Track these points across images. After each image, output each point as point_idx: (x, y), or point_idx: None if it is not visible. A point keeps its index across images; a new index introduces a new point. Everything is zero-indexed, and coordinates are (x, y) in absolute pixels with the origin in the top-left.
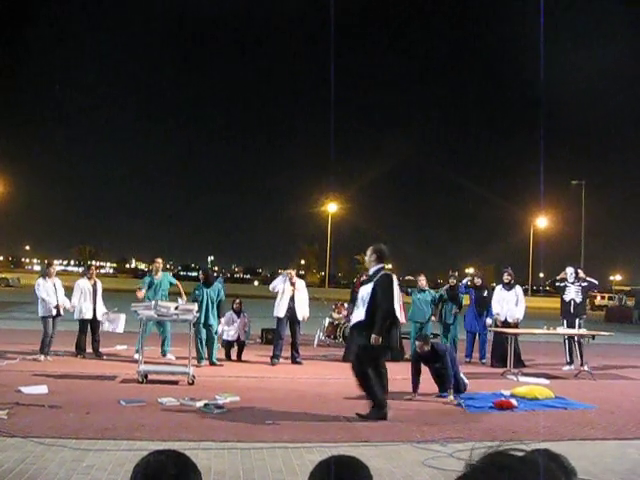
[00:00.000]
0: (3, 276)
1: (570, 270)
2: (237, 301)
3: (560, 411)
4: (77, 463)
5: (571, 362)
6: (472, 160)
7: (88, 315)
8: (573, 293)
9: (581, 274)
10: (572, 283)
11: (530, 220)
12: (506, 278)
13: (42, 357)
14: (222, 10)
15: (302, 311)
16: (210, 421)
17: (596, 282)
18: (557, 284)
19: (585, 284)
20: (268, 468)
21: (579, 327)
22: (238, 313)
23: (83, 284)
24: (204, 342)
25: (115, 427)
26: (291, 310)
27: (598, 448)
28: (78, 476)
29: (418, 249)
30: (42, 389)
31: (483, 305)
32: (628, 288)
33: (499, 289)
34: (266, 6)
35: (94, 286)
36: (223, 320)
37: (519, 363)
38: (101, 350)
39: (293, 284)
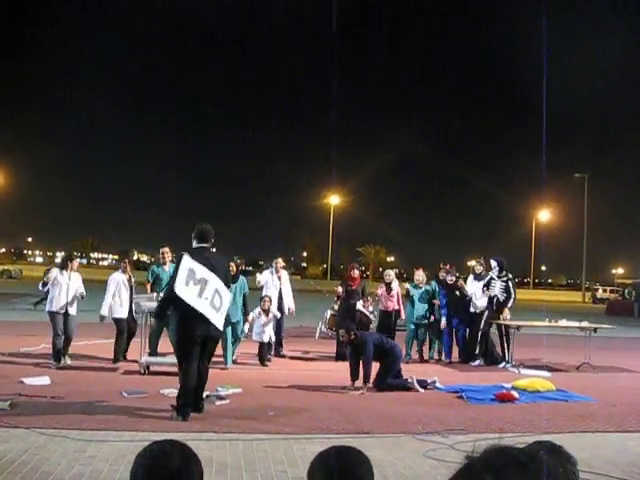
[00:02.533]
0: (6, 268)
1: (494, 263)
2: (266, 299)
3: (561, 403)
4: (79, 453)
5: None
6: (475, 153)
7: (124, 314)
8: (497, 289)
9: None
10: (497, 277)
11: (533, 213)
12: (477, 269)
13: (56, 364)
14: (225, 3)
15: (288, 303)
16: (212, 412)
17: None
18: (483, 283)
19: (506, 278)
20: (270, 459)
21: (487, 319)
22: (267, 312)
23: (118, 278)
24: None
25: (117, 418)
26: (279, 303)
27: (599, 440)
28: (80, 466)
29: (420, 242)
30: (44, 380)
31: (454, 305)
32: (630, 281)
33: (470, 280)
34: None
35: (129, 281)
36: (251, 319)
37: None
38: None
39: (279, 277)
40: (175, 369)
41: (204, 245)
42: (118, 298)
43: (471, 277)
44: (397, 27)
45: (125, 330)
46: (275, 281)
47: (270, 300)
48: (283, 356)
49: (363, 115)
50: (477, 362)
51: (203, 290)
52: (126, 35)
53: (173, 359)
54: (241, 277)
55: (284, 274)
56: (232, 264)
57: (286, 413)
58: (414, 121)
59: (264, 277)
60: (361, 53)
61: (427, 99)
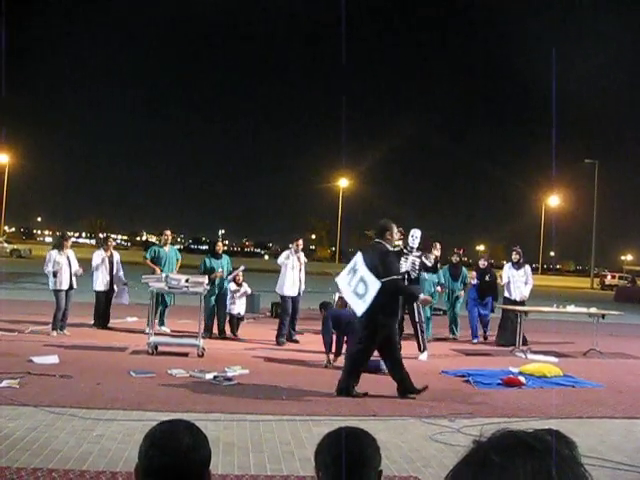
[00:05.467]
0: (15, 247)
1: (417, 233)
2: (239, 273)
3: (568, 389)
4: (87, 432)
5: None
6: (485, 139)
7: (102, 287)
8: (409, 265)
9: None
10: (410, 251)
11: (542, 199)
12: (515, 257)
13: (55, 333)
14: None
15: (302, 286)
16: (219, 393)
17: (429, 263)
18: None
19: (419, 254)
20: (276, 440)
21: (418, 309)
22: (239, 286)
23: (100, 255)
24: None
25: (125, 397)
26: (298, 286)
27: (605, 426)
28: (88, 445)
29: (429, 226)
30: (53, 359)
31: (485, 289)
32: (639, 268)
33: (508, 267)
34: None
35: (110, 258)
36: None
37: (525, 341)
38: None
39: (299, 258)
40: (183, 349)
41: (376, 239)
42: (99, 273)
43: (509, 265)
44: (410, 14)
45: (102, 300)
46: (295, 262)
47: (242, 276)
48: (296, 341)
49: (375, 100)
50: (425, 355)
51: (351, 279)
52: (135, 29)
53: (182, 340)
54: (225, 256)
55: (302, 256)
56: (219, 244)
57: (293, 394)
58: (425, 107)
59: (284, 257)
60: (373, 40)
61: (438, 85)
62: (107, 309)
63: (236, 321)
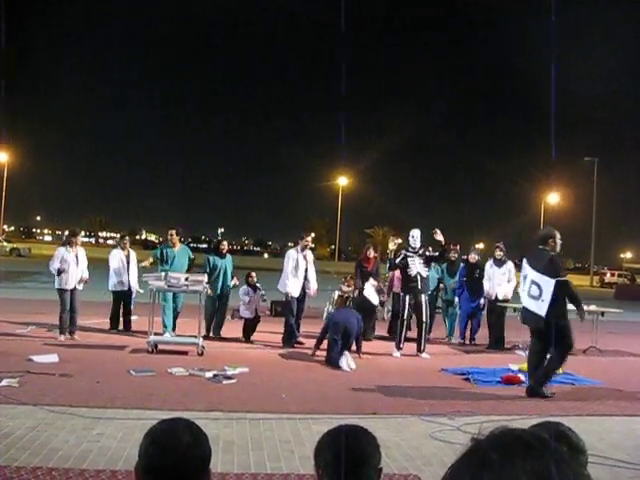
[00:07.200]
0: (15, 246)
1: (417, 232)
2: (252, 275)
3: (568, 386)
4: (87, 431)
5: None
6: (485, 137)
7: (121, 287)
8: (418, 266)
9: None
10: (415, 252)
11: (541, 197)
12: (498, 254)
13: (62, 337)
14: None
15: (313, 285)
16: (219, 391)
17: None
18: (397, 261)
19: (422, 251)
20: (276, 438)
21: (426, 304)
22: (254, 288)
23: (117, 255)
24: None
25: (125, 396)
26: (303, 286)
27: (605, 424)
28: (88, 444)
29: (428, 224)
30: (53, 358)
31: (474, 286)
32: (638, 266)
33: (489, 266)
34: None
35: (127, 257)
36: (241, 295)
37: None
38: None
39: (305, 257)
40: (182, 348)
41: (539, 246)
42: (117, 273)
43: (490, 262)
44: (410, 14)
45: (120, 301)
46: (302, 260)
47: (255, 276)
48: (301, 343)
49: (374, 100)
50: (398, 354)
51: (524, 284)
52: (135, 29)
53: (182, 339)
54: (228, 256)
55: (309, 254)
56: (224, 243)
57: (293, 393)
58: (425, 106)
59: (291, 255)
60: (373, 40)
61: (438, 83)
62: (127, 309)
63: (252, 325)
